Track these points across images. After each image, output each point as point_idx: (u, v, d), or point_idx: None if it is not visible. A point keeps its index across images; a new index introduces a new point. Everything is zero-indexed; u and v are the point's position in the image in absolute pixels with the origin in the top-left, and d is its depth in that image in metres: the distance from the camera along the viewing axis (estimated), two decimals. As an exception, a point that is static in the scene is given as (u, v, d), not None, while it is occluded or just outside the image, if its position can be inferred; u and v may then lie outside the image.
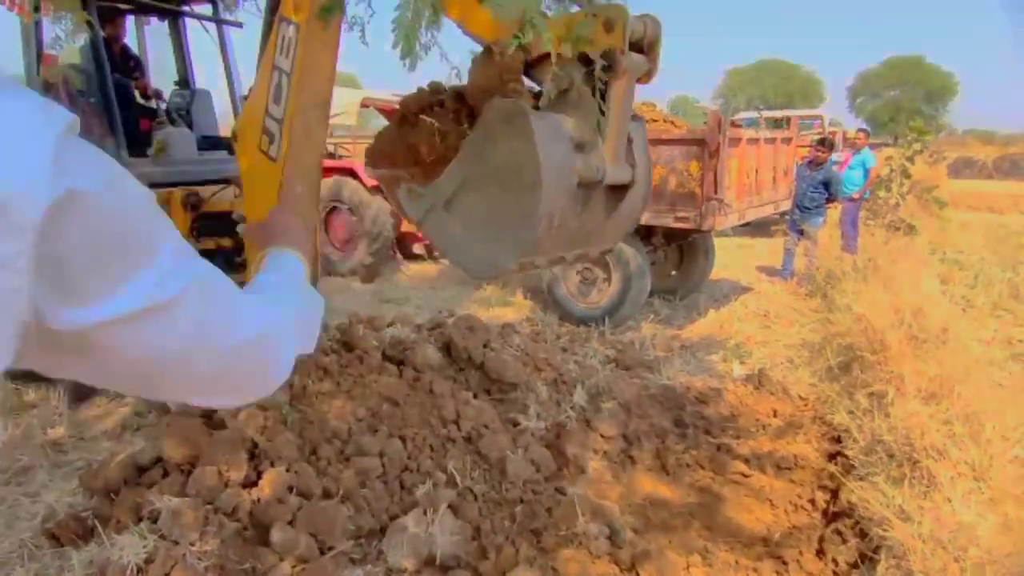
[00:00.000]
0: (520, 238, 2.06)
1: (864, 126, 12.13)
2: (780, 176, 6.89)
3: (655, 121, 6.42)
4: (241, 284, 3.26)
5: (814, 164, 8.02)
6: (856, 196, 9.04)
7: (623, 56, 2.04)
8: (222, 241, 4.77)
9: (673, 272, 7.45)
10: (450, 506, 3.04)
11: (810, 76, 49.85)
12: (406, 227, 9.48)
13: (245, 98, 5.38)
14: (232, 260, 4.71)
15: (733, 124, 12.54)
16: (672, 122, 6.22)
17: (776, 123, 13.35)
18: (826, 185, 7.91)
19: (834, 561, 2.74)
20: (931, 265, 8.00)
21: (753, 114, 15.97)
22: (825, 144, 8.15)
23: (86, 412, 4.18)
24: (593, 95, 2.14)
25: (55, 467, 3.48)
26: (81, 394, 4.33)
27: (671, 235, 6.57)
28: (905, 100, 46.80)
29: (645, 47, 2.20)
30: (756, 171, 6.20)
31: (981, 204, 18.42)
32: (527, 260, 2.21)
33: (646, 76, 2.19)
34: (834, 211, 9.34)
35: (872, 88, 49.26)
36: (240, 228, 4.34)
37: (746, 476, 3.64)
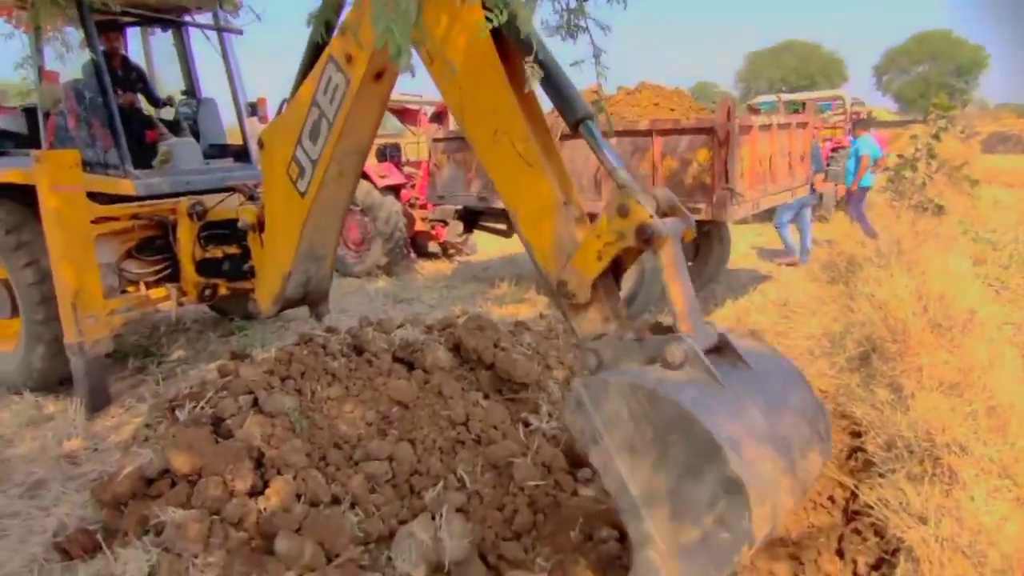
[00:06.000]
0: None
1: (863, 116, 11.94)
2: (796, 162, 6.70)
3: (672, 111, 6.30)
4: (249, 291, 3.24)
5: None
6: (853, 188, 8.94)
7: (655, 224, 2.18)
8: (228, 249, 4.79)
9: (689, 263, 7.31)
10: (459, 510, 3.00)
11: (831, 56, 48.70)
12: (419, 226, 9.48)
13: (252, 105, 5.43)
14: (239, 268, 4.74)
15: (751, 109, 12.31)
16: (702, 110, 6.11)
17: (794, 107, 13.07)
18: None
19: (853, 562, 2.64)
20: (961, 246, 7.74)
21: (772, 98, 15.61)
22: None
23: (102, 423, 4.24)
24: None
25: (68, 479, 3.53)
26: (97, 404, 4.39)
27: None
28: (934, 75, 45.51)
29: (669, 212, 2.35)
30: (770, 158, 6.04)
31: (1016, 180, 17.76)
32: None
33: (688, 233, 2.36)
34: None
35: (899, 65, 47.99)
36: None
37: (764, 472, 3.54)
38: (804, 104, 10.39)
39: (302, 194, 3.54)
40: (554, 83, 2.43)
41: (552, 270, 2.51)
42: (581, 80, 2.81)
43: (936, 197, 9.84)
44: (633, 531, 2.06)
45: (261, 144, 3.78)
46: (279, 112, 3.72)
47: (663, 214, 2.34)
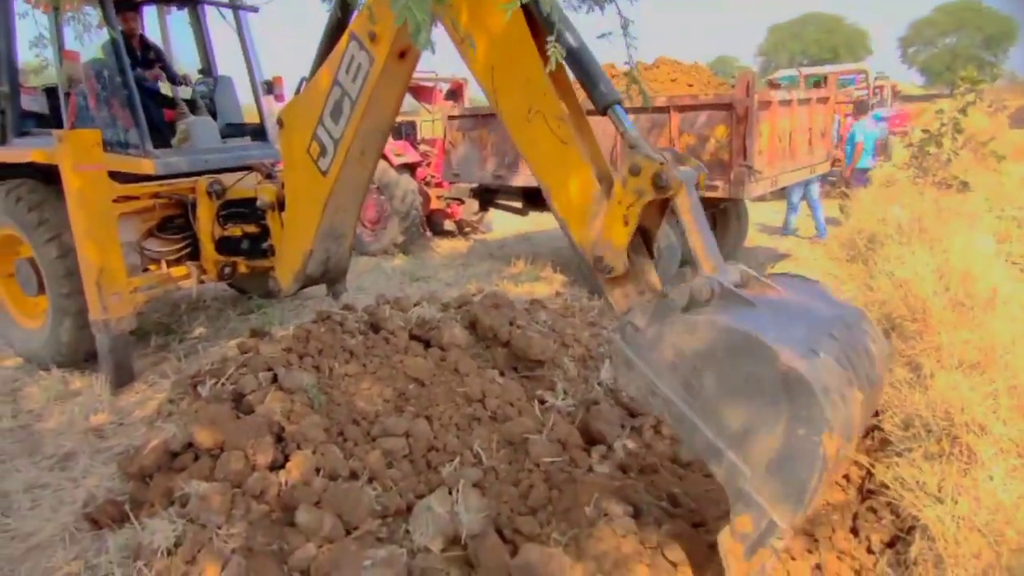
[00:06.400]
0: None
1: (863, 99, 11.82)
2: (816, 138, 6.58)
3: (690, 86, 6.21)
4: (268, 270, 3.26)
5: None
6: (847, 174, 8.95)
7: (667, 168, 2.23)
8: (247, 228, 4.83)
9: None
10: (475, 485, 3.05)
11: (855, 28, 47.50)
12: (435, 204, 9.48)
13: (268, 83, 5.43)
14: (258, 246, 4.79)
15: (771, 84, 12.07)
16: (721, 85, 6.03)
17: (815, 81, 12.80)
18: None
19: (867, 540, 2.64)
20: (986, 223, 7.58)
21: (793, 72, 15.28)
22: None
23: (126, 398, 4.34)
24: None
25: (96, 452, 3.63)
26: (122, 380, 4.49)
27: (701, 203, 6.38)
28: (961, 47, 44.24)
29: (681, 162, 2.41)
30: (790, 134, 5.94)
31: (1046, 156, 17.22)
32: None
33: (701, 179, 2.44)
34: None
35: (925, 36, 46.69)
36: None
37: (779, 451, 3.54)
38: (826, 78, 10.20)
39: (324, 173, 3.56)
40: (582, 64, 2.44)
41: (587, 246, 2.53)
42: (606, 53, 2.78)
43: (961, 174, 9.62)
44: (716, 469, 2.02)
45: (281, 123, 3.78)
46: (298, 91, 3.71)
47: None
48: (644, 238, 2.52)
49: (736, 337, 1.92)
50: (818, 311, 2.27)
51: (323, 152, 3.51)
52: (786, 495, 1.87)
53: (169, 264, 4.97)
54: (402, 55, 3.16)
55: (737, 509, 1.97)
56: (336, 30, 3.34)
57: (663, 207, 2.41)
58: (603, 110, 2.48)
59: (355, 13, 3.26)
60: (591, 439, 3.48)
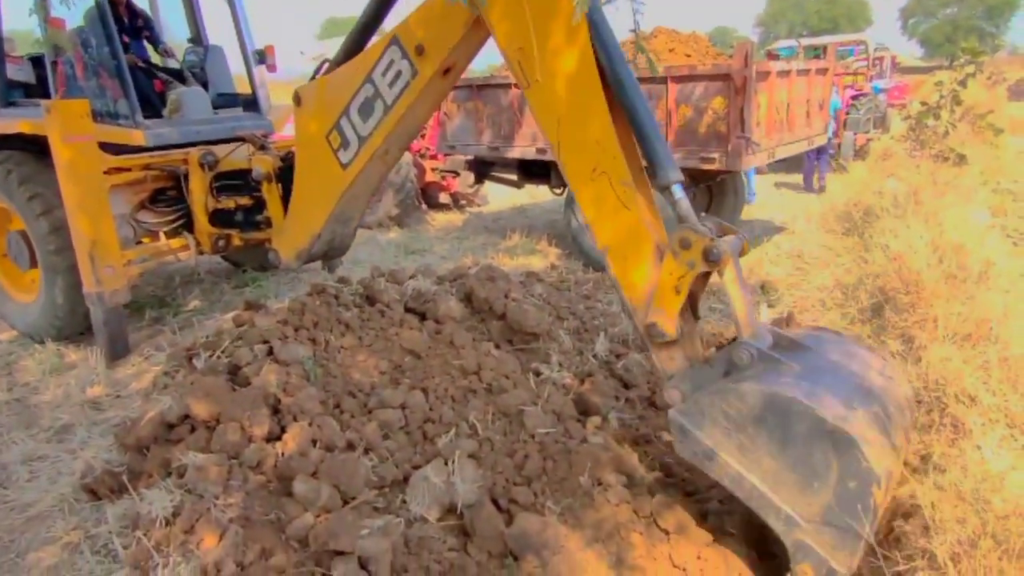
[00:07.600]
0: None
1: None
2: (815, 110, 6.53)
3: (688, 56, 6.13)
4: (262, 242, 3.24)
5: None
6: None
7: (717, 243, 2.32)
8: (240, 199, 4.79)
9: (702, 213, 7.24)
10: (471, 456, 3.08)
11: (857, -3, 46.86)
12: (430, 176, 9.41)
13: (259, 53, 5.33)
14: (252, 218, 4.75)
15: (770, 55, 11.94)
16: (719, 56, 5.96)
17: (814, 52, 12.68)
18: None
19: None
20: (982, 196, 7.58)
21: (792, 43, 15.10)
22: None
23: (122, 371, 4.35)
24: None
25: (93, 424, 3.65)
26: (117, 353, 4.49)
27: (698, 176, 6.34)
28: (963, 18, 43.73)
29: (721, 233, 2.48)
30: (788, 105, 5.88)
31: (1044, 130, 17.15)
32: None
33: (745, 247, 2.55)
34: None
35: (926, 7, 46.10)
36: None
37: (771, 422, 3.59)
38: (825, 49, 10.10)
39: (343, 165, 3.50)
40: (645, 138, 2.52)
41: (640, 308, 2.58)
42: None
43: (958, 146, 9.59)
44: (774, 522, 2.19)
45: (298, 100, 3.66)
46: (317, 72, 3.60)
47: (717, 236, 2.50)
48: (690, 301, 2.59)
49: (783, 403, 2.10)
50: (848, 365, 2.44)
51: (345, 144, 3.45)
52: (842, 543, 2.05)
53: (163, 236, 4.93)
54: (446, 72, 3.14)
55: (797, 559, 2.14)
56: (377, 15, 3.31)
57: (708, 274, 2.50)
58: (662, 189, 2.54)
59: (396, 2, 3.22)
60: (585, 410, 3.50)
